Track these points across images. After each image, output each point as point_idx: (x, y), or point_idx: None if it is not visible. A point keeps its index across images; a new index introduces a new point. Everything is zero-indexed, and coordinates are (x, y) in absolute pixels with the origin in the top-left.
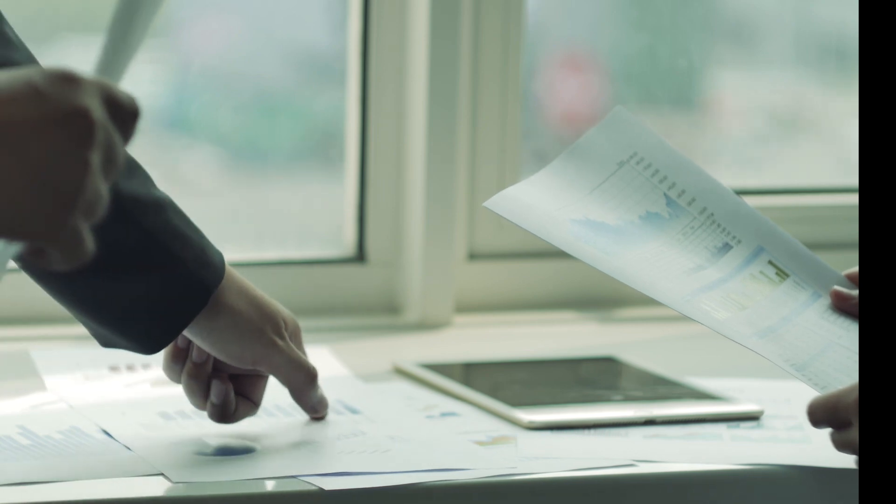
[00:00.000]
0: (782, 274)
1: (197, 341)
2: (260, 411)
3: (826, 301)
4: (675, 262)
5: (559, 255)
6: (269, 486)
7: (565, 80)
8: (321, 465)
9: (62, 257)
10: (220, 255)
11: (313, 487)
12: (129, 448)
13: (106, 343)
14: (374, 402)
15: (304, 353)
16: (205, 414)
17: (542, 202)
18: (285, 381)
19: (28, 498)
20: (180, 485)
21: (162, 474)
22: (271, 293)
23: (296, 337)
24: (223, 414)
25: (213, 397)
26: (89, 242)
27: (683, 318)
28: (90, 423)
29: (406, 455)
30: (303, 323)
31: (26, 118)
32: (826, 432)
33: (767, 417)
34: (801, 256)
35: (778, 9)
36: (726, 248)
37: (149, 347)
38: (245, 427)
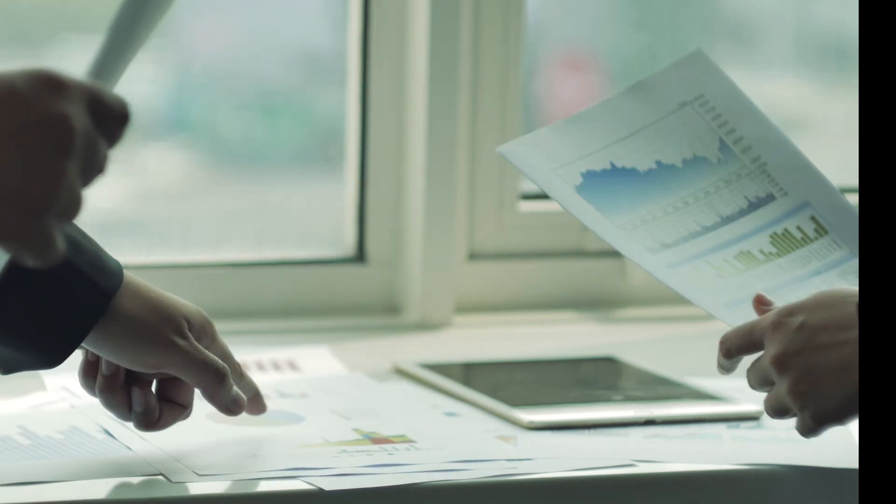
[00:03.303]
0: (821, 230)
1: (94, 349)
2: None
3: (857, 263)
4: (687, 220)
5: (559, 255)
6: (269, 486)
7: (565, 80)
8: (321, 466)
9: (31, 258)
10: (117, 262)
11: (313, 487)
12: (129, 448)
13: (7, 369)
14: (375, 402)
15: (222, 348)
16: (206, 414)
17: (564, 147)
18: (192, 381)
19: (28, 498)
20: (180, 485)
21: (162, 474)
22: (271, 293)
23: (206, 334)
24: (147, 422)
25: (135, 405)
26: (60, 244)
27: (684, 318)
28: (90, 422)
29: (406, 455)
30: (303, 323)
31: (2, 123)
32: (827, 433)
33: (767, 417)
34: (848, 216)
35: (778, 9)
36: (769, 198)
37: (51, 360)
38: (246, 427)
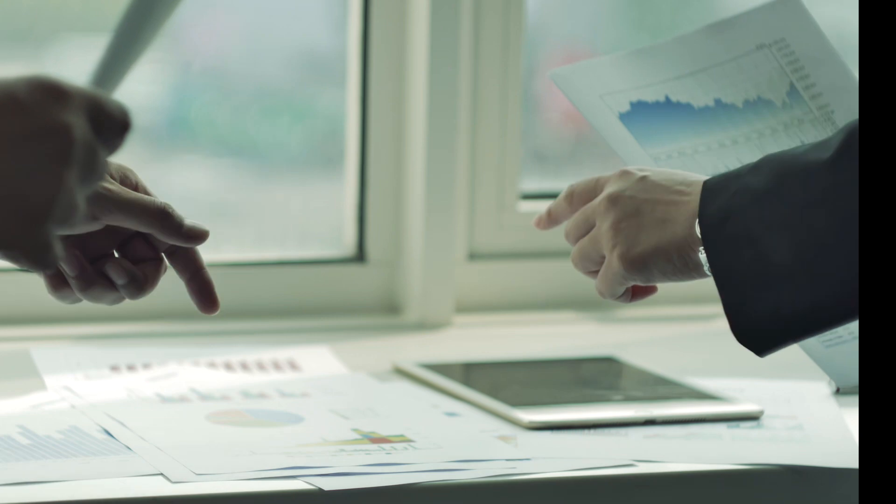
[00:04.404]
0: None
1: None
2: (261, 412)
3: None
4: (730, 158)
5: (559, 255)
6: (269, 485)
7: None
8: (319, 465)
9: (28, 264)
10: None
11: (313, 487)
12: (129, 448)
13: None
14: (375, 402)
15: (146, 192)
16: (206, 415)
17: (619, 77)
18: (137, 221)
19: (28, 498)
20: (180, 485)
21: (162, 474)
22: (271, 293)
23: (129, 180)
24: (136, 287)
25: (118, 280)
26: (58, 251)
27: (684, 318)
28: (90, 422)
29: (405, 454)
30: (303, 323)
31: (3, 130)
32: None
33: (767, 417)
34: None
35: None
36: None
37: None
38: (245, 427)
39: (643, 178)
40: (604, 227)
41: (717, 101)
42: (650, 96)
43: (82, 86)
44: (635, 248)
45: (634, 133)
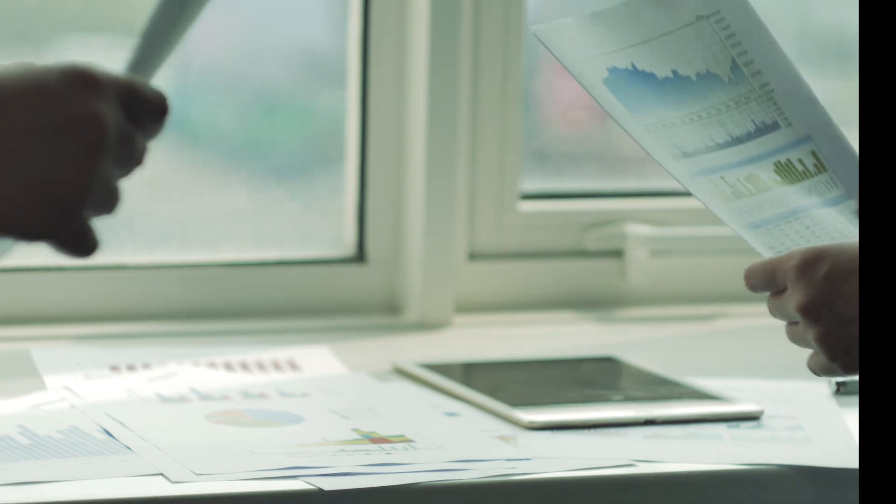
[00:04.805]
0: (821, 167)
1: None
2: (261, 412)
3: (854, 204)
4: (702, 133)
5: (559, 255)
6: (269, 486)
7: (565, 79)
8: (319, 465)
9: (67, 253)
10: None
11: (313, 487)
12: (129, 448)
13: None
14: (375, 402)
15: None
16: (206, 415)
17: (590, 40)
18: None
19: (28, 498)
20: (180, 485)
21: (162, 474)
22: (271, 293)
23: None
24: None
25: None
26: (93, 238)
27: (684, 318)
28: (90, 422)
29: (405, 455)
30: (303, 323)
31: (33, 121)
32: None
33: (767, 417)
34: (848, 155)
35: (778, 9)
36: (775, 126)
37: None
38: (245, 427)
39: (828, 276)
40: (810, 337)
41: (675, 73)
42: (620, 62)
43: (116, 73)
44: (855, 357)
45: (620, 100)
